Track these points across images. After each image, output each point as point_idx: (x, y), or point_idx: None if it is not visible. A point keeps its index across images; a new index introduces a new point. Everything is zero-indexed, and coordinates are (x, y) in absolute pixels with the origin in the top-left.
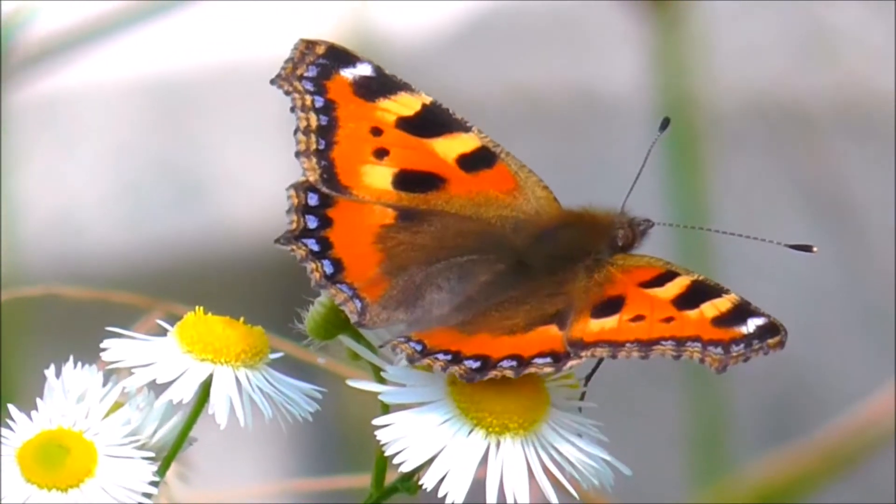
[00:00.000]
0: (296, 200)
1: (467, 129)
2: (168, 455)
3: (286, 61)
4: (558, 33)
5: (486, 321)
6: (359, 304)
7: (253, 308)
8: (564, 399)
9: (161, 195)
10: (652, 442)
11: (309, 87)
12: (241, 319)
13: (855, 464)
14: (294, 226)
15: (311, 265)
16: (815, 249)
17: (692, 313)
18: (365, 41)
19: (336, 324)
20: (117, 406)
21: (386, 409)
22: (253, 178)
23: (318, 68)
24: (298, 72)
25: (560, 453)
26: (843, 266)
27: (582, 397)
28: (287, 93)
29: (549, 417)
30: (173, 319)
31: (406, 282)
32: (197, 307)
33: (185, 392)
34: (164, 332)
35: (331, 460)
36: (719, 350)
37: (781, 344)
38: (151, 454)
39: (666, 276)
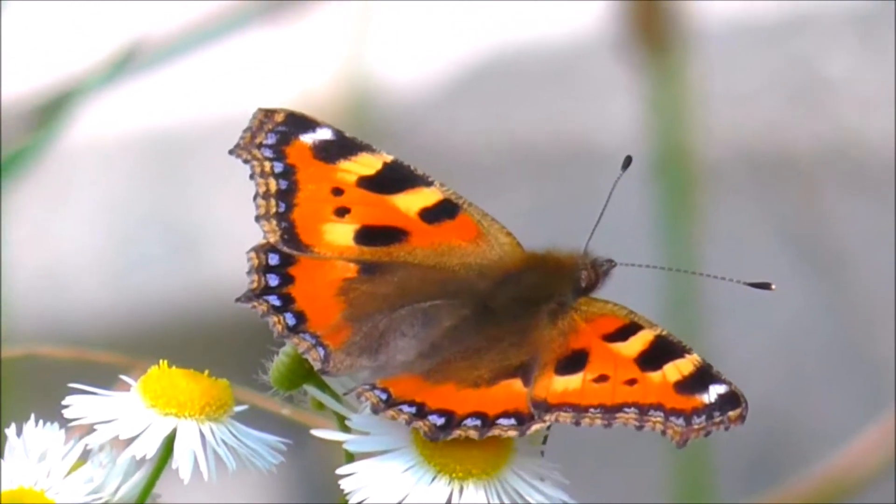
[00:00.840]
0: (256, 261)
1: (429, 184)
2: None
3: (244, 131)
4: (553, 83)
5: (452, 369)
6: (322, 352)
7: (237, 362)
8: (527, 443)
9: (150, 251)
10: (635, 490)
11: (268, 153)
12: (206, 372)
13: None
14: (255, 285)
15: (272, 318)
16: (773, 287)
17: (655, 376)
18: (361, 93)
19: (300, 373)
20: (80, 464)
21: (350, 457)
22: (244, 233)
23: (277, 135)
24: (257, 140)
25: (522, 498)
26: (829, 313)
27: (544, 441)
28: (245, 161)
29: (513, 462)
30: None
31: (369, 328)
32: (161, 361)
33: (148, 447)
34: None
35: None
36: (681, 421)
37: (742, 418)
38: None
39: (629, 329)
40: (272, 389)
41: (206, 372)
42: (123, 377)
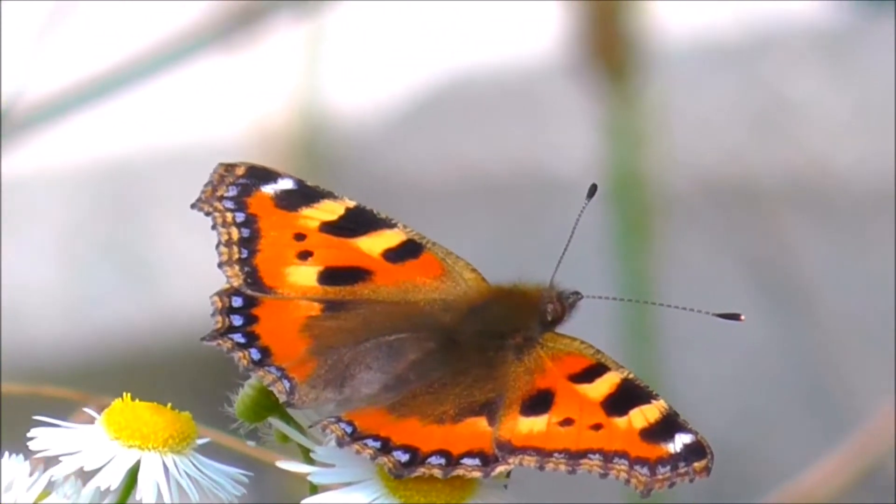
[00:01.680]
0: (220, 304)
1: (392, 226)
2: None
3: (205, 185)
4: (509, 109)
5: (417, 403)
6: (287, 384)
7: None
8: (491, 477)
9: (106, 281)
10: None
11: (229, 205)
12: (169, 405)
13: None
14: (220, 325)
15: (238, 354)
16: (742, 318)
17: (621, 421)
18: (315, 120)
19: (266, 406)
20: (45, 495)
21: (314, 489)
22: (196, 261)
23: (238, 188)
24: (218, 193)
25: None
26: (789, 344)
27: (507, 475)
28: (207, 213)
29: (477, 495)
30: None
31: (334, 361)
32: (125, 393)
33: (112, 479)
34: (92, 421)
35: None
36: (645, 471)
37: (707, 470)
38: None
39: (595, 370)
40: (237, 422)
41: (169, 405)
42: (86, 409)
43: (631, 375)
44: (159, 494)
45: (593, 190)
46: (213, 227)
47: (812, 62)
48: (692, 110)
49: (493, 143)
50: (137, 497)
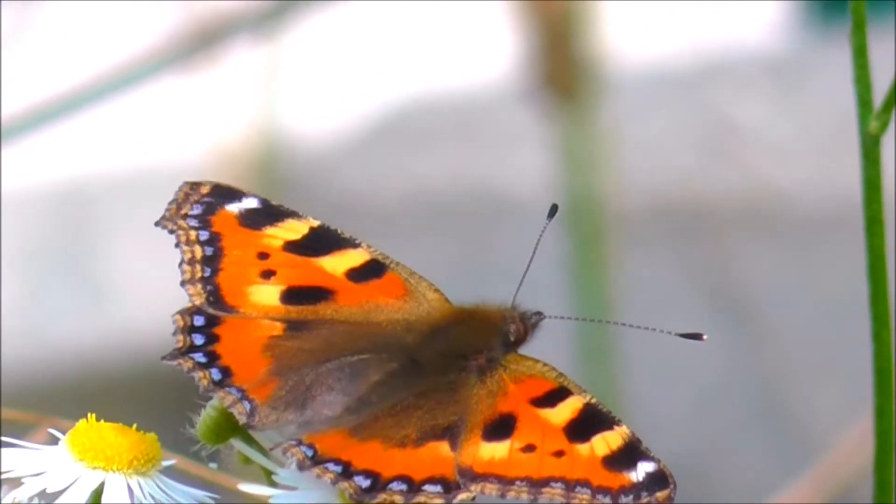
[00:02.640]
0: (182, 323)
1: (356, 246)
2: None
3: (170, 203)
4: (463, 133)
5: (379, 426)
6: (248, 406)
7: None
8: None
9: (61, 302)
10: None
11: (193, 223)
12: (134, 426)
13: None
14: (181, 344)
15: (198, 374)
16: (704, 337)
17: (583, 448)
18: (271, 143)
19: (227, 427)
20: None
21: None
22: (153, 283)
23: (202, 206)
24: (182, 211)
25: None
26: (745, 364)
27: (473, 498)
28: (171, 231)
29: None
30: (63, 432)
31: (296, 382)
32: (89, 414)
33: (75, 500)
34: (55, 442)
35: None
36: (608, 500)
37: (670, 499)
38: None
39: (558, 394)
40: (199, 443)
41: (135, 426)
42: (39, 435)
43: (594, 400)
44: None
45: (554, 210)
46: (177, 245)
47: (760, 87)
48: (644, 134)
49: (447, 166)
50: None
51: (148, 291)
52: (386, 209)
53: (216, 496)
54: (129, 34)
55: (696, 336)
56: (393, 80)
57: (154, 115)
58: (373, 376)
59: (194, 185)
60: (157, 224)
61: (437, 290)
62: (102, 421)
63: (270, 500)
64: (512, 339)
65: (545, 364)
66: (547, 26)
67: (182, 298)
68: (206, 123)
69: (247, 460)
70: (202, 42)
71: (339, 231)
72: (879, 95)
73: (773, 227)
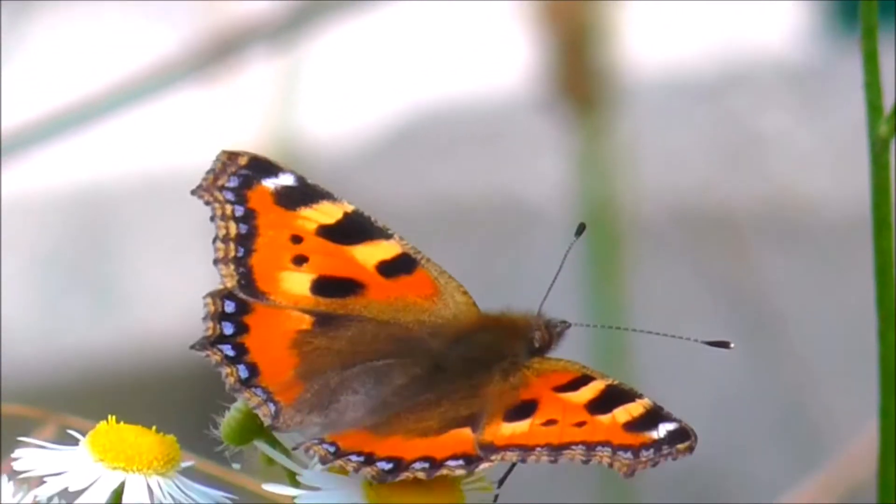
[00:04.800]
0: (212, 308)
1: (388, 237)
2: None
3: (207, 172)
4: (483, 141)
5: (401, 423)
6: (273, 408)
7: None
8: (477, 502)
9: (78, 307)
10: None
11: (230, 196)
12: (154, 428)
13: None
14: (210, 332)
15: (225, 370)
16: (731, 346)
17: (604, 418)
18: (288, 149)
19: (251, 429)
20: None
21: None
22: (169, 289)
23: (239, 179)
24: (219, 182)
25: None
26: (761, 372)
27: (494, 500)
28: (207, 203)
29: None
30: (68, 430)
31: (321, 385)
32: (110, 416)
33: (96, 500)
34: (70, 441)
35: None
36: (629, 455)
37: (691, 449)
38: None
39: (580, 381)
40: (222, 444)
41: (154, 427)
42: (47, 431)
43: (616, 382)
44: None
45: (581, 228)
46: (212, 219)
47: (781, 96)
48: (663, 142)
49: (464, 173)
50: None
51: (163, 297)
52: (404, 217)
53: (235, 497)
54: (149, 43)
55: (724, 344)
56: (411, 89)
57: (173, 124)
58: (397, 380)
59: (232, 155)
60: (192, 193)
61: (465, 293)
62: (122, 423)
63: (295, 501)
64: (536, 346)
65: (569, 360)
66: (566, 35)
67: (192, 300)
68: (224, 132)
69: (270, 461)
70: (221, 52)
71: (372, 219)
72: (890, 100)
73: (794, 236)
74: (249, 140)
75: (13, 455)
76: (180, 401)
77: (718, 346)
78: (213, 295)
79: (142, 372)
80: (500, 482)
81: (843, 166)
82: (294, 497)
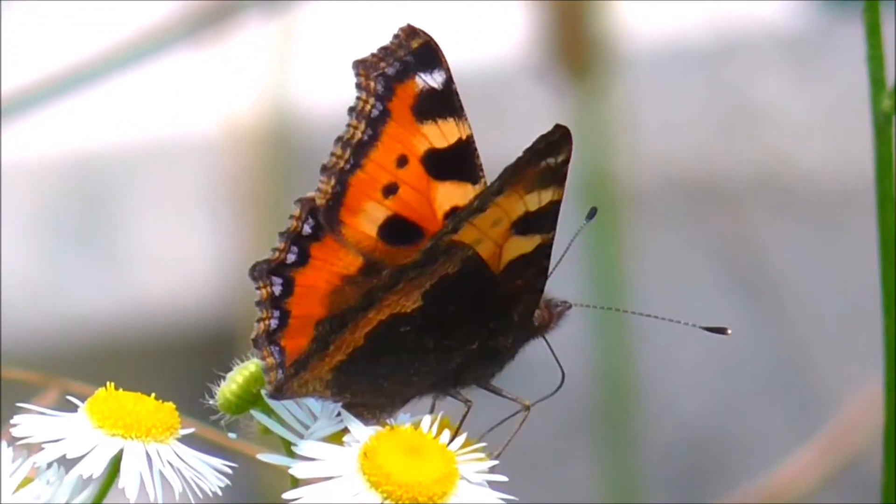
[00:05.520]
0: (294, 225)
1: (476, 181)
2: None
3: (380, 48)
4: (474, 108)
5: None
6: (281, 377)
7: (164, 383)
8: (474, 472)
9: (76, 272)
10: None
11: (379, 88)
12: (153, 395)
13: None
14: (277, 255)
15: (261, 313)
16: (729, 332)
17: None
18: (284, 116)
19: (248, 399)
20: (27, 481)
21: (296, 482)
22: (167, 254)
23: (400, 66)
24: (382, 65)
25: None
26: (762, 337)
27: (497, 457)
28: (357, 86)
29: (458, 490)
30: (68, 396)
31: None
32: (108, 383)
33: (95, 467)
34: (68, 406)
35: None
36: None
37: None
38: None
39: None
40: (218, 413)
41: (153, 395)
42: (49, 395)
43: None
44: (142, 483)
45: (593, 213)
46: (350, 111)
47: (777, 64)
48: (659, 110)
49: None
50: (120, 485)
51: (161, 261)
52: None
53: (235, 464)
54: (144, 7)
55: (721, 330)
56: None
57: (167, 88)
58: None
59: (410, 34)
60: (353, 66)
61: None
62: (119, 389)
63: (290, 471)
64: (536, 324)
65: None
66: (562, 3)
67: (193, 266)
68: (219, 96)
69: (266, 431)
70: (215, 16)
71: (477, 153)
72: (892, 73)
73: (790, 203)
74: (245, 104)
75: (12, 421)
76: (180, 366)
77: (716, 332)
78: (302, 203)
79: (141, 336)
80: (498, 455)
81: (838, 133)
82: (289, 468)
